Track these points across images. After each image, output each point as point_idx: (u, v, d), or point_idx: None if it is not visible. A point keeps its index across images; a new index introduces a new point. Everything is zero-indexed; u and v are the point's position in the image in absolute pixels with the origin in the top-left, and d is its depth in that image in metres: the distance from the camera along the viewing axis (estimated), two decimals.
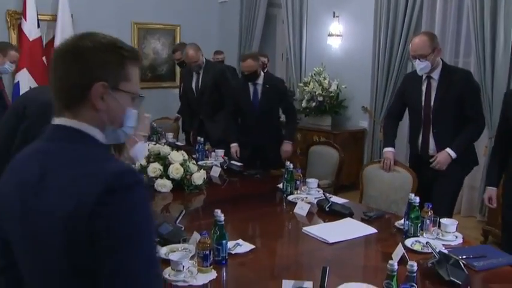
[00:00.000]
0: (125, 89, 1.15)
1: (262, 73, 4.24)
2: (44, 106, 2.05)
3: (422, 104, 3.23)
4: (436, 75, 3.17)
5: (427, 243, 2.13)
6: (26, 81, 6.24)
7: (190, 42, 4.97)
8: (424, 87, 3.22)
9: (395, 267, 1.58)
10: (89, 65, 1.09)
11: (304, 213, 2.70)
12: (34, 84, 6.26)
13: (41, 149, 1.13)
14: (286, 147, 4.23)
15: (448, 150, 3.12)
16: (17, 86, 6.24)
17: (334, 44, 6.13)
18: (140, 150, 2.31)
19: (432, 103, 3.18)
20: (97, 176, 1.01)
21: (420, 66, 3.11)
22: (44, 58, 6.41)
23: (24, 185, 1.09)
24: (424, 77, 3.21)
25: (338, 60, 6.10)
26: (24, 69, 6.24)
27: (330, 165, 3.92)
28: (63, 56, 1.11)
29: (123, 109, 1.17)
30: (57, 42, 6.43)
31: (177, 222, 2.36)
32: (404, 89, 3.42)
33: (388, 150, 3.37)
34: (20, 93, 6.03)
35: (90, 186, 0.99)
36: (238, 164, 3.86)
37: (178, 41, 7.79)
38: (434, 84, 3.18)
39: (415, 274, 1.60)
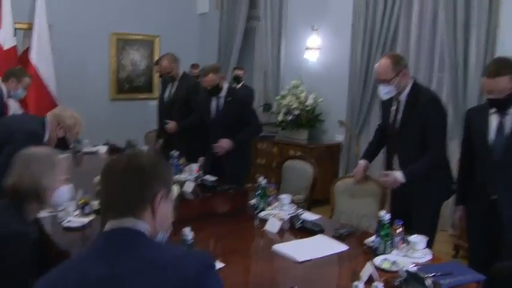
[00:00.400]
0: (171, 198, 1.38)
1: (225, 86, 4.14)
2: (31, 134, 2.78)
3: (390, 126, 3.13)
4: (403, 97, 3.00)
5: (393, 262, 2.14)
6: None
7: (168, 52, 4.95)
8: (393, 109, 3.08)
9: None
10: (152, 180, 1.30)
11: (275, 229, 2.69)
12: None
13: (104, 249, 1.23)
14: (222, 142, 3.99)
15: (398, 173, 2.95)
16: None
17: (312, 57, 6.18)
18: (60, 196, 2.22)
19: (398, 126, 3.05)
20: (184, 262, 1.21)
21: (384, 91, 2.99)
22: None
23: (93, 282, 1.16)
24: (393, 98, 3.07)
25: (315, 73, 6.15)
26: None
27: (304, 180, 3.91)
28: (123, 172, 1.29)
29: (170, 214, 1.38)
30: (33, 51, 6.36)
31: None
32: (382, 106, 3.29)
33: (360, 161, 3.33)
34: None
35: (184, 271, 1.18)
36: (212, 179, 3.83)
37: (157, 52, 7.78)
38: (401, 107, 3.03)
39: None
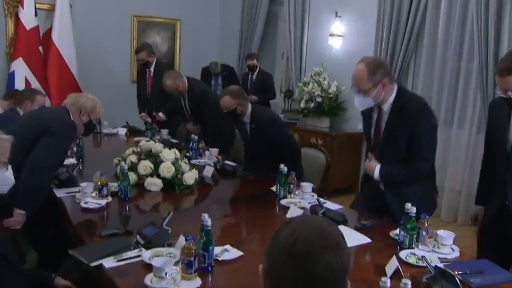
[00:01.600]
0: None
1: (248, 111, 3.67)
2: (68, 124, 2.90)
3: (372, 136, 2.84)
4: (386, 106, 2.68)
5: (422, 257, 2.04)
6: (21, 70, 6.15)
7: (167, 71, 5.00)
8: (375, 117, 2.78)
9: (388, 285, 1.49)
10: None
11: None
12: (29, 74, 6.18)
13: None
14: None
15: (377, 168, 2.71)
16: (11, 75, 6.15)
17: (335, 44, 6.04)
18: (2, 179, 2.21)
19: (381, 136, 2.76)
20: None
21: (358, 102, 2.69)
22: (40, 48, 6.33)
23: None
24: (374, 107, 2.75)
25: (338, 61, 6.01)
26: (20, 58, 6.15)
27: (316, 169, 3.79)
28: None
29: None
30: (55, 32, 6.35)
31: (164, 224, 2.28)
32: (362, 116, 2.98)
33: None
34: (15, 83, 5.96)
35: None
36: (232, 164, 3.77)
37: (178, 36, 7.72)
38: (384, 117, 2.71)
39: None
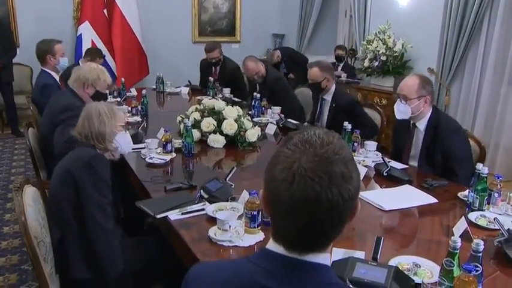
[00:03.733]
0: None
1: (332, 89, 3.78)
2: (69, 108, 2.90)
3: (403, 151, 2.95)
4: (422, 125, 2.83)
5: (494, 219, 1.94)
6: (88, 33, 6.36)
7: (247, 56, 4.80)
8: (411, 136, 2.92)
9: (459, 244, 1.42)
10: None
11: (361, 177, 2.56)
12: (95, 37, 6.36)
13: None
14: None
15: None
16: (79, 38, 6.36)
17: (402, 0, 5.75)
18: (124, 141, 2.34)
19: (417, 154, 2.87)
20: None
21: (399, 108, 2.81)
22: (105, 11, 6.47)
23: None
24: (411, 123, 2.90)
25: (405, 18, 5.74)
26: (87, 22, 6.34)
27: None
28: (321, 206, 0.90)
29: None
30: None
31: (227, 179, 2.30)
32: (395, 130, 3.14)
33: None
34: (83, 46, 6.15)
35: None
36: (295, 122, 3.74)
37: None
38: (420, 136, 2.86)
39: (480, 254, 1.44)
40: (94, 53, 5.07)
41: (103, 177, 2.02)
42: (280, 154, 0.93)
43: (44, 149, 3.18)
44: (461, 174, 2.63)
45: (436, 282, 1.48)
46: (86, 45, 6.17)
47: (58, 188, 2.04)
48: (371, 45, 5.74)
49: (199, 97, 4.80)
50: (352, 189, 0.90)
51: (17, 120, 6.18)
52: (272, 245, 0.96)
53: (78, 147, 2.17)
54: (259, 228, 1.86)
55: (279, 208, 0.92)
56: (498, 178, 2.22)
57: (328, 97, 3.78)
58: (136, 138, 3.08)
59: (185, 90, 5.43)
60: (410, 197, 2.33)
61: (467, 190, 2.25)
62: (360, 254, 1.61)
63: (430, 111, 2.83)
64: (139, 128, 3.42)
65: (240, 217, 1.92)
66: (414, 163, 2.90)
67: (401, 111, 2.81)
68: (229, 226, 1.81)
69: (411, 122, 2.89)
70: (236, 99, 4.79)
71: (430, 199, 2.31)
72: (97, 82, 3.13)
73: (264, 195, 0.96)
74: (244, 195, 2.03)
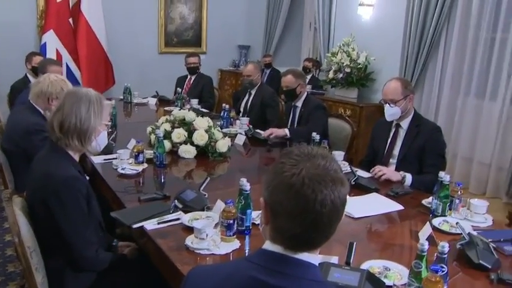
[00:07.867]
0: None
1: (303, 95, 3.99)
2: (34, 127, 2.82)
3: (385, 151, 3.13)
4: (405, 123, 3.07)
5: (456, 223, 2.06)
6: (52, 42, 6.25)
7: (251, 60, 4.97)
8: (391, 135, 3.12)
9: (426, 247, 1.53)
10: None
11: None
12: (60, 46, 6.27)
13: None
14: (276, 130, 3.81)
15: (407, 175, 2.83)
16: (43, 46, 6.25)
17: (365, 14, 5.94)
18: (102, 140, 2.19)
19: (398, 152, 3.06)
20: None
21: (390, 112, 3.02)
22: (70, 20, 6.39)
23: None
24: (393, 124, 3.11)
25: (368, 31, 5.92)
26: (51, 30, 6.24)
27: (341, 139, 3.83)
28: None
29: None
30: (84, 4, 6.39)
31: (201, 189, 2.34)
32: (374, 134, 3.32)
33: None
34: (46, 55, 6.05)
35: None
36: (263, 132, 3.81)
37: (205, 6, 7.70)
38: (401, 134, 3.08)
39: (445, 256, 1.54)
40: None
41: (75, 207, 1.89)
42: (285, 163, 1.03)
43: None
44: (442, 168, 2.78)
45: (405, 283, 1.57)
46: (50, 54, 6.07)
47: (34, 209, 1.94)
48: (335, 57, 5.88)
49: (166, 108, 4.81)
50: (346, 192, 1.04)
51: None
52: (269, 246, 1.06)
53: (49, 157, 1.98)
54: (235, 236, 1.91)
55: (285, 211, 1.02)
56: (459, 185, 2.35)
57: (299, 103, 3.96)
58: (108, 149, 3.07)
59: (152, 101, 5.43)
60: (378, 204, 2.43)
61: (431, 197, 2.37)
62: (334, 259, 1.68)
63: (413, 110, 3.09)
64: (110, 139, 3.40)
65: (216, 226, 1.96)
66: (395, 162, 3.07)
67: (392, 113, 3.03)
68: (206, 235, 1.85)
69: (394, 122, 3.10)
70: (204, 110, 4.83)
71: (396, 206, 2.42)
72: (62, 94, 3.04)
73: (266, 200, 1.06)
74: (219, 204, 2.07)
